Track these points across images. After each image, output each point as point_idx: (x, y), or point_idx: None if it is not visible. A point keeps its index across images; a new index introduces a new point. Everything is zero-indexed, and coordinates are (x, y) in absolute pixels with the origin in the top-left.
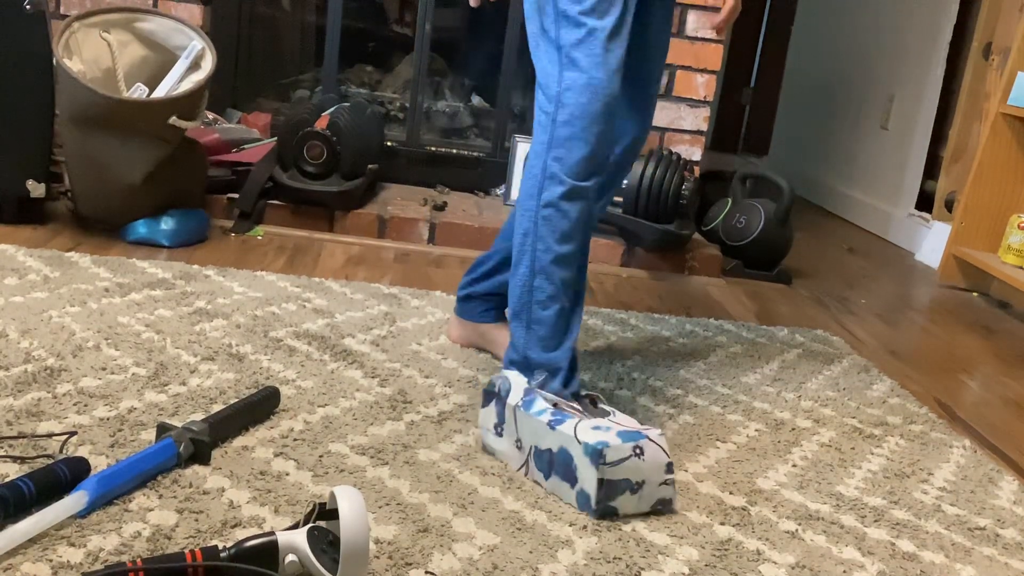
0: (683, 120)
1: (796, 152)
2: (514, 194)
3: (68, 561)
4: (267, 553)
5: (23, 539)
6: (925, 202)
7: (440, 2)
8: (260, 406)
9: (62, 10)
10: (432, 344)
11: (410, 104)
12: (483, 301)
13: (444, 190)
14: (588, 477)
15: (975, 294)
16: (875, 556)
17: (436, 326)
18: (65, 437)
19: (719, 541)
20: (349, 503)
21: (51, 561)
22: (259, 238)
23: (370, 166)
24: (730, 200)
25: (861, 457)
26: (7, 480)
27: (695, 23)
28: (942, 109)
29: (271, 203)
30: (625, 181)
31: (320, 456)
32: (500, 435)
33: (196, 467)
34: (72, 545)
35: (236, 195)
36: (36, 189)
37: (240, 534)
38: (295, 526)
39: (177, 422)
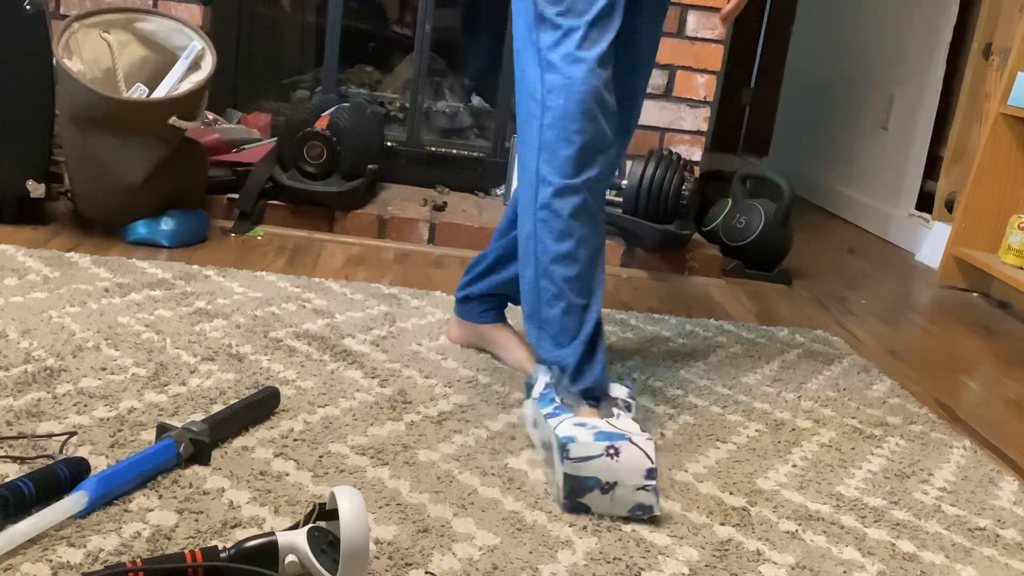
0: (683, 120)
1: (796, 152)
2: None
3: (68, 561)
4: (267, 553)
5: (23, 539)
6: (925, 202)
7: (440, 2)
8: (260, 406)
9: (62, 10)
10: (432, 344)
11: (410, 104)
12: (481, 302)
13: (444, 190)
14: (559, 470)
15: (975, 294)
16: (875, 556)
17: (436, 326)
18: (65, 437)
19: (719, 541)
20: (349, 503)
21: (51, 561)
22: (259, 238)
23: (370, 166)
24: (730, 200)
25: (861, 457)
26: (7, 480)
27: (695, 23)
28: (942, 109)
29: (271, 203)
30: (625, 181)
31: (320, 456)
32: (535, 427)
33: (196, 467)
34: (72, 545)
35: (236, 195)
36: (36, 189)
37: (240, 534)
38: (295, 526)
39: (177, 422)
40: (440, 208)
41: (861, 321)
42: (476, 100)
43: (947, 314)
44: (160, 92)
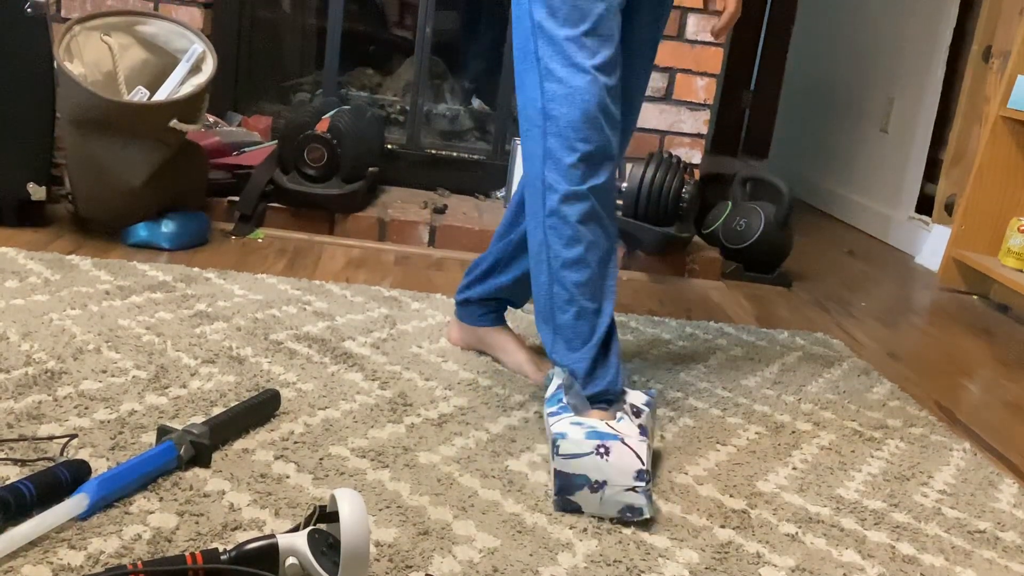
0: (683, 123)
1: (796, 155)
2: None
3: (69, 564)
4: (267, 556)
5: (24, 542)
6: (925, 205)
7: (440, 5)
8: (260, 409)
9: (63, 13)
10: (432, 347)
11: (410, 107)
12: (481, 305)
13: (444, 193)
14: (552, 467)
15: (975, 297)
16: (875, 559)
17: (436, 329)
18: (66, 440)
19: (719, 544)
20: (349, 506)
21: (52, 564)
22: (259, 241)
23: (370, 169)
24: (730, 203)
25: (861, 460)
26: (8, 483)
27: (695, 26)
28: (942, 112)
29: (272, 206)
30: (625, 184)
31: (320, 459)
32: None
33: (196, 470)
34: (73, 548)
35: (237, 198)
36: (37, 192)
37: (240, 537)
38: (295, 529)
39: (177, 425)
40: (440, 211)
41: (861, 324)
42: (476, 103)
43: (947, 317)
44: (161, 95)
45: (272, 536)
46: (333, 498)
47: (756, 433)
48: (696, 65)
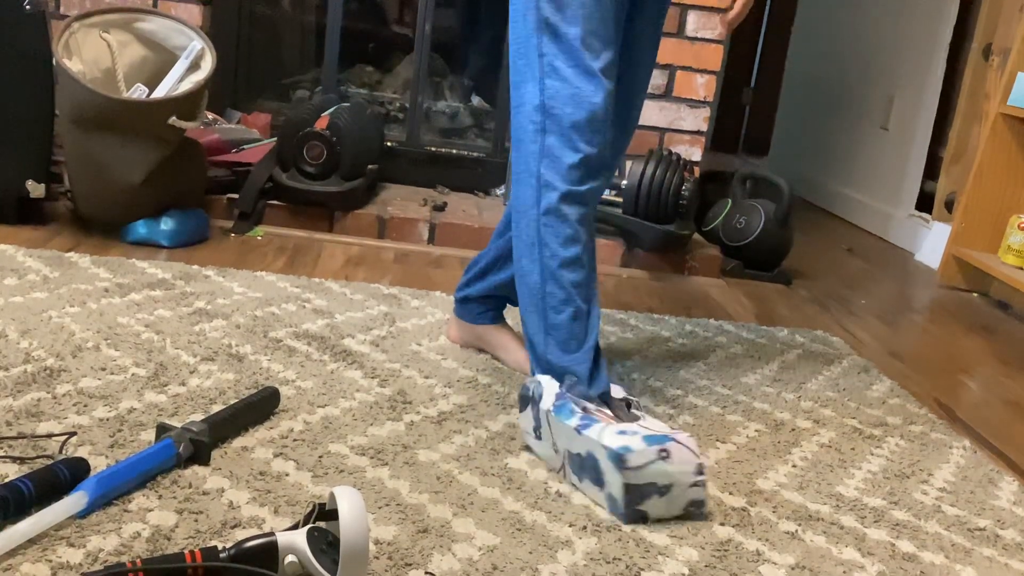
0: (683, 120)
1: (796, 152)
2: None
3: (67, 562)
4: (267, 554)
5: (23, 539)
6: (925, 203)
7: (440, 2)
8: (260, 406)
9: (62, 10)
10: (432, 344)
11: (410, 104)
12: (480, 303)
13: (444, 190)
14: (614, 482)
15: (975, 295)
16: (875, 557)
17: (436, 326)
18: (65, 437)
19: (719, 542)
20: (349, 504)
21: (51, 562)
22: (259, 238)
23: (370, 166)
24: (730, 201)
25: (861, 458)
26: (7, 480)
27: (695, 23)
28: (942, 110)
29: (271, 203)
30: (625, 181)
31: (320, 456)
32: (539, 438)
33: (196, 467)
34: (72, 545)
35: (236, 195)
36: (36, 189)
37: (240, 535)
38: (295, 527)
39: (177, 422)
40: (440, 208)
41: (861, 321)
42: (476, 100)
43: (947, 314)
44: (160, 92)
45: (271, 534)
46: (332, 496)
47: (756, 431)
48: (696, 62)
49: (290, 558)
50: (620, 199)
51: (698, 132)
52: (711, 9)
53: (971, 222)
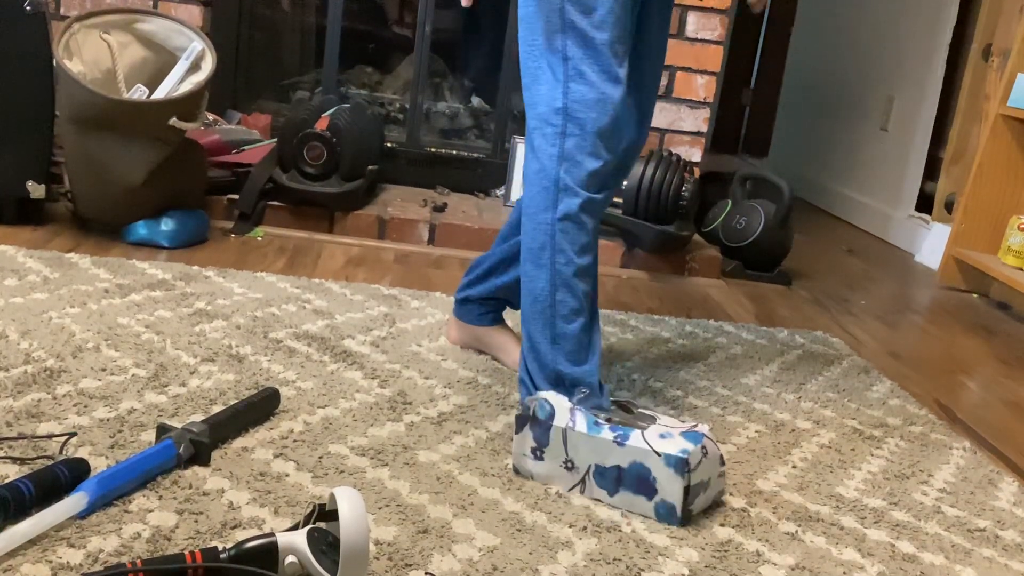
0: (683, 121)
1: (796, 153)
2: (514, 195)
3: (68, 562)
4: (267, 554)
5: (23, 540)
6: (925, 203)
7: (440, 3)
8: (260, 407)
9: (62, 11)
10: (432, 345)
11: (410, 105)
12: (480, 304)
13: (444, 191)
14: (672, 488)
15: (975, 295)
16: (875, 557)
17: (436, 327)
18: (65, 438)
19: (719, 542)
20: (349, 504)
21: (51, 562)
22: (259, 239)
23: (370, 167)
24: (730, 201)
25: (861, 458)
26: (7, 481)
27: (695, 24)
28: (942, 110)
29: (271, 204)
30: (625, 182)
31: (320, 457)
32: (540, 459)
33: (196, 468)
34: (72, 546)
35: (236, 196)
36: (36, 190)
37: (240, 535)
38: (295, 527)
39: (177, 423)
40: (440, 209)
41: (861, 322)
42: (476, 101)
43: (947, 315)
44: (160, 93)
45: (271, 534)
46: (332, 496)
47: (756, 431)
48: (696, 63)
49: (290, 559)
50: (620, 200)
51: (698, 133)
52: (711, 10)
53: (971, 223)
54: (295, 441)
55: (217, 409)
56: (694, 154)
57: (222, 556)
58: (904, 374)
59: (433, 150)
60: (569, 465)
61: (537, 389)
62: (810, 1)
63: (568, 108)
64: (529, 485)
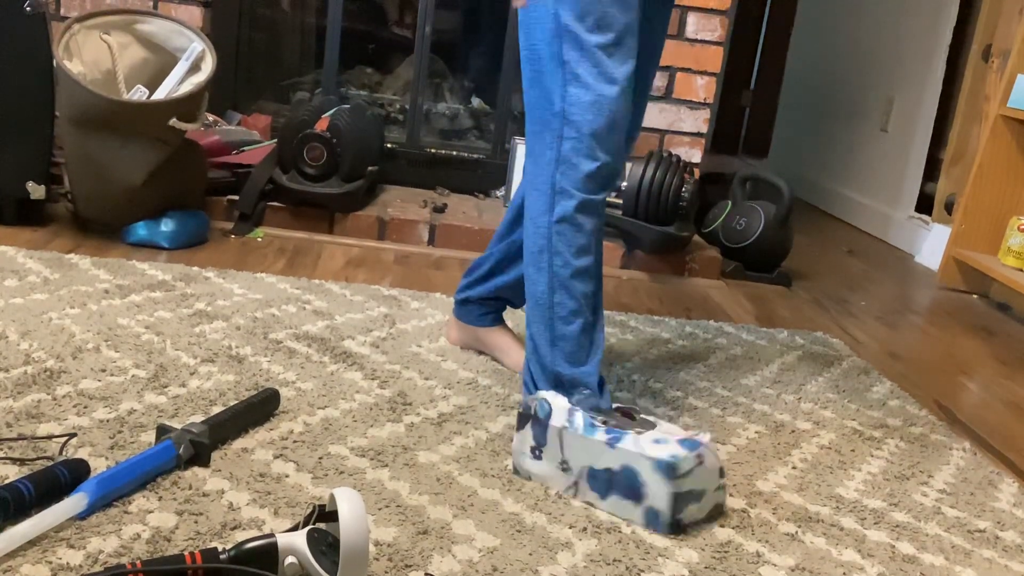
0: (683, 122)
1: (796, 154)
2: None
3: (68, 563)
4: (267, 555)
5: (23, 541)
6: (925, 204)
7: (440, 4)
8: (260, 408)
9: (62, 12)
10: (432, 346)
11: (410, 106)
12: (480, 305)
13: (444, 192)
14: (659, 493)
15: (975, 296)
16: (875, 558)
17: (436, 328)
18: (65, 439)
19: (719, 543)
20: (349, 505)
21: (51, 563)
22: (259, 240)
23: (370, 168)
24: (730, 202)
25: (861, 459)
26: (7, 482)
27: (695, 25)
28: (942, 111)
29: (271, 205)
30: (625, 183)
31: (320, 458)
32: (539, 458)
33: (196, 469)
34: (72, 547)
35: (236, 197)
36: (36, 191)
37: (240, 536)
38: (295, 528)
39: (177, 424)
40: (440, 210)
41: (861, 323)
42: (476, 102)
43: (947, 316)
44: (160, 94)
45: (271, 535)
46: (332, 497)
47: (756, 432)
48: (696, 64)
49: (290, 559)
50: (620, 200)
51: (698, 134)
52: (711, 11)
53: (971, 224)
54: (295, 442)
55: (217, 410)
56: (694, 155)
57: (222, 557)
58: (904, 375)
59: (433, 151)
60: (564, 466)
61: (539, 391)
62: (810, 1)
63: (565, 112)
64: (529, 486)
